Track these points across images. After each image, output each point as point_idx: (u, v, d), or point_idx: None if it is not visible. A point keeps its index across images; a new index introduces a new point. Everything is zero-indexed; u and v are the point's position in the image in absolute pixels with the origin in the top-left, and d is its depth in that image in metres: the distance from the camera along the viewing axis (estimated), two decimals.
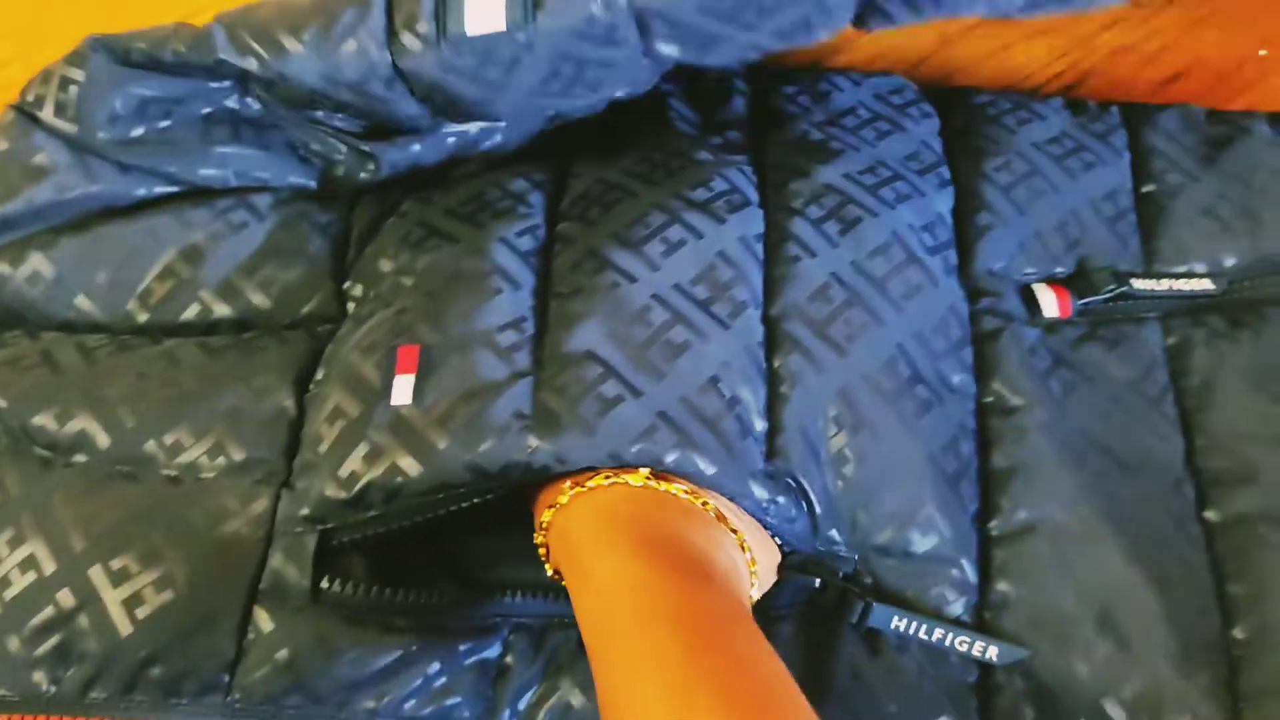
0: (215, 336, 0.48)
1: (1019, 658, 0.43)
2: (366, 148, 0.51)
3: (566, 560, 0.39)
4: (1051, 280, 0.52)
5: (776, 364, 0.45)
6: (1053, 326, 0.50)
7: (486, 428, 0.41)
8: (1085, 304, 0.51)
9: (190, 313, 0.49)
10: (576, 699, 0.43)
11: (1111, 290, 0.51)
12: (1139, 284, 0.51)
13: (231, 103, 0.50)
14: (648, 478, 0.40)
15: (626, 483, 0.40)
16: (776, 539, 0.43)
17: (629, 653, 0.33)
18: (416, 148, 0.50)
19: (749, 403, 0.44)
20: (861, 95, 0.55)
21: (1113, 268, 0.52)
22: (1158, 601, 0.44)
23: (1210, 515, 0.47)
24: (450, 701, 0.42)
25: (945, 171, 0.53)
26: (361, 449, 0.42)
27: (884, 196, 0.50)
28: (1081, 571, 0.45)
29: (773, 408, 0.44)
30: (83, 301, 0.49)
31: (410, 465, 0.41)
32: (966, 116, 0.56)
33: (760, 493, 0.42)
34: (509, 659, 0.44)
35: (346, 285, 0.50)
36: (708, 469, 0.41)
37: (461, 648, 0.43)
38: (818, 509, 0.44)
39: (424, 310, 0.45)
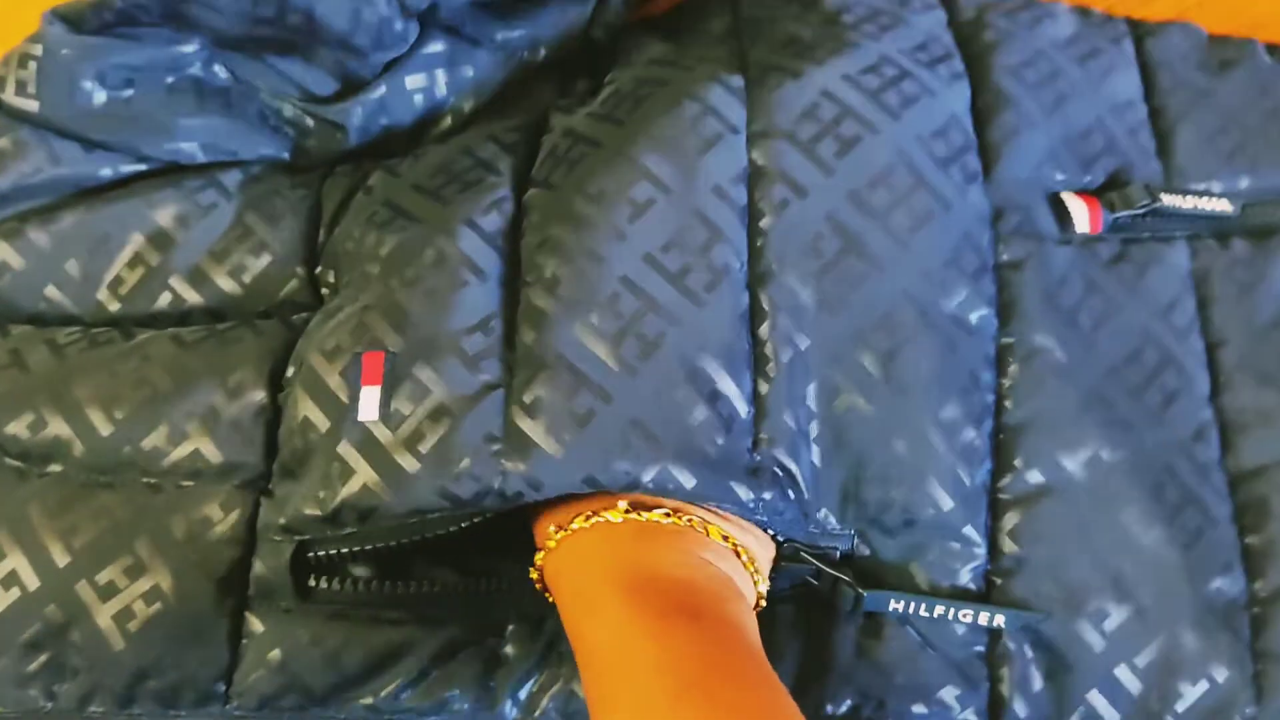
0: (189, 328, 0.47)
1: (1027, 621, 0.42)
2: (333, 115, 0.49)
3: (560, 611, 0.39)
4: (1080, 192, 0.49)
5: (761, 334, 0.43)
6: (1085, 243, 0.47)
7: (456, 451, 0.40)
8: (1117, 219, 0.48)
9: (162, 302, 0.48)
10: (579, 687, 0.43)
11: (1146, 206, 0.48)
12: (1168, 200, 0.48)
13: (196, 71, 0.49)
14: (627, 511, 0.39)
15: (607, 520, 0.39)
16: (769, 531, 0.42)
17: (616, 707, 0.33)
18: (380, 97, 0.49)
19: (731, 394, 0.41)
20: None
21: (1146, 182, 0.49)
22: (1179, 560, 0.43)
23: (1231, 462, 0.46)
24: (449, 693, 0.42)
25: (958, 64, 0.49)
26: (334, 467, 0.41)
27: (887, 103, 0.46)
28: (1098, 534, 0.43)
29: (757, 391, 0.42)
30: (53, 292, 0.48)
31: (381, 489, 0.40)
32: (977, 9, 0.52)
33: (745, 494, 0.40)
34: (508, 649, 0.43)
35: (318, 271, 0.48)
36: (687, 482, 0.40)
37: (458, 638, 0.43)
38: (805, 494, 0.42)
39: (387, 309, 0.43)
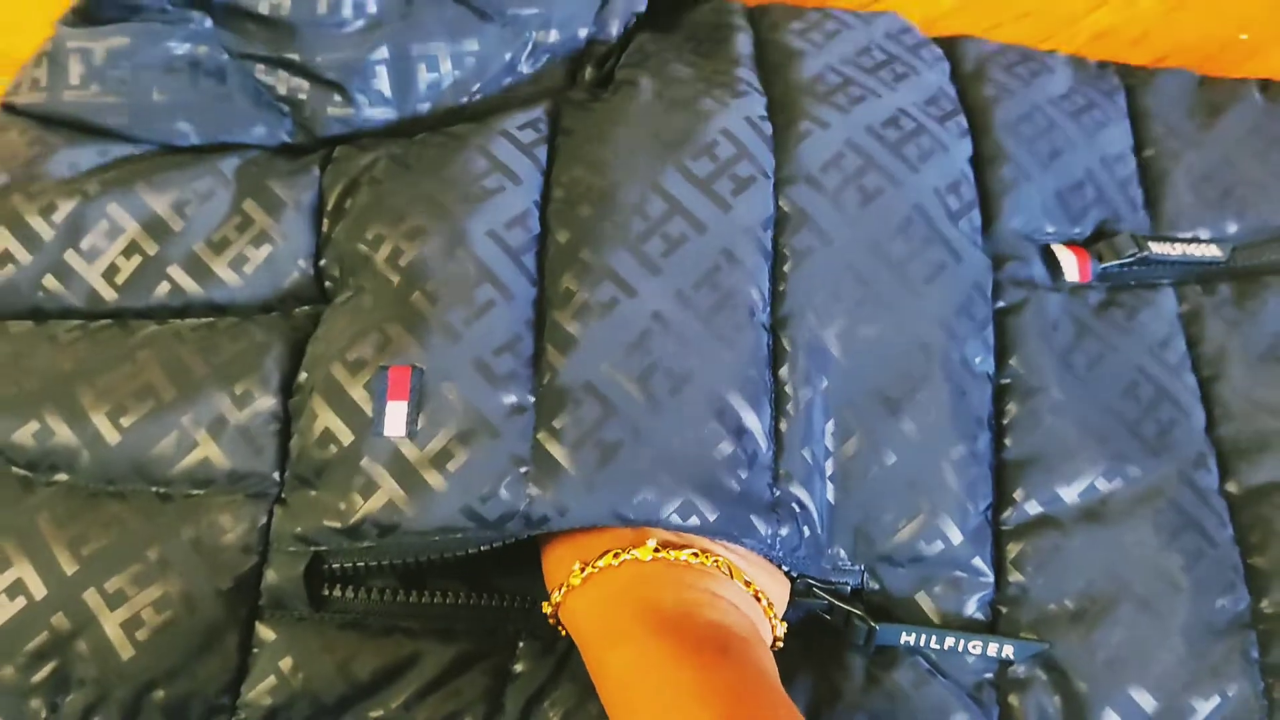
0: (189, 321, 0.46)
1: (1035, 651, 0.43)
2: (331, 75, 0.49)
3: (581, 646, 0.39)
4: (1069, 243, 0.51)
5: (782, 375, 0.44)
6: (1074, 291, 0.49)
7: (484, 473, 0.40)
8: (1105, 268, 0.50)
9: (161, 292, 0.47)
10: (594, 706, 0.42)
11: (1133, 255, 0.50)
12: (1155, 249, 0.50)
13: (189, 52, 0.48)
14: (656, 550, 0.39)
15: (636, 558, 0.39)
16: (783, 567, 0.43)
17: None
18: (382, 60, 0.49)
19: (755, 430, 0.42)
20: (873, 34, 0.53)
21: (1132, 232, 0.51)
22: (1182, 580, 0.44)
23: (1232, 487, 0.47)
24: (459, 707, 0.42)
25: (963, 120, 0.51)
26: (357, 480, 0.41)
27: (907, 155, 0.48)
28: (1100, 558, 0.45)
29: (778, 428, 0.43)
30: (50, 281, 0.47)
31: (407, 505, 0.40)
32: (977, 63, 0.54)
33: (764, 529, 0.41)
34: (519, 665, 0.43)
35: (323, 264, 0.47)
36: (710, 514, 0.40)
37: (470, 651, 0.43)
38: (820, 531, 0.43)
39: (412, 323, 0.43)
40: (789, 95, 0.50)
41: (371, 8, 0.49)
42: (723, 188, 0.46)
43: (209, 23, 0.49)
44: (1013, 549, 0.45)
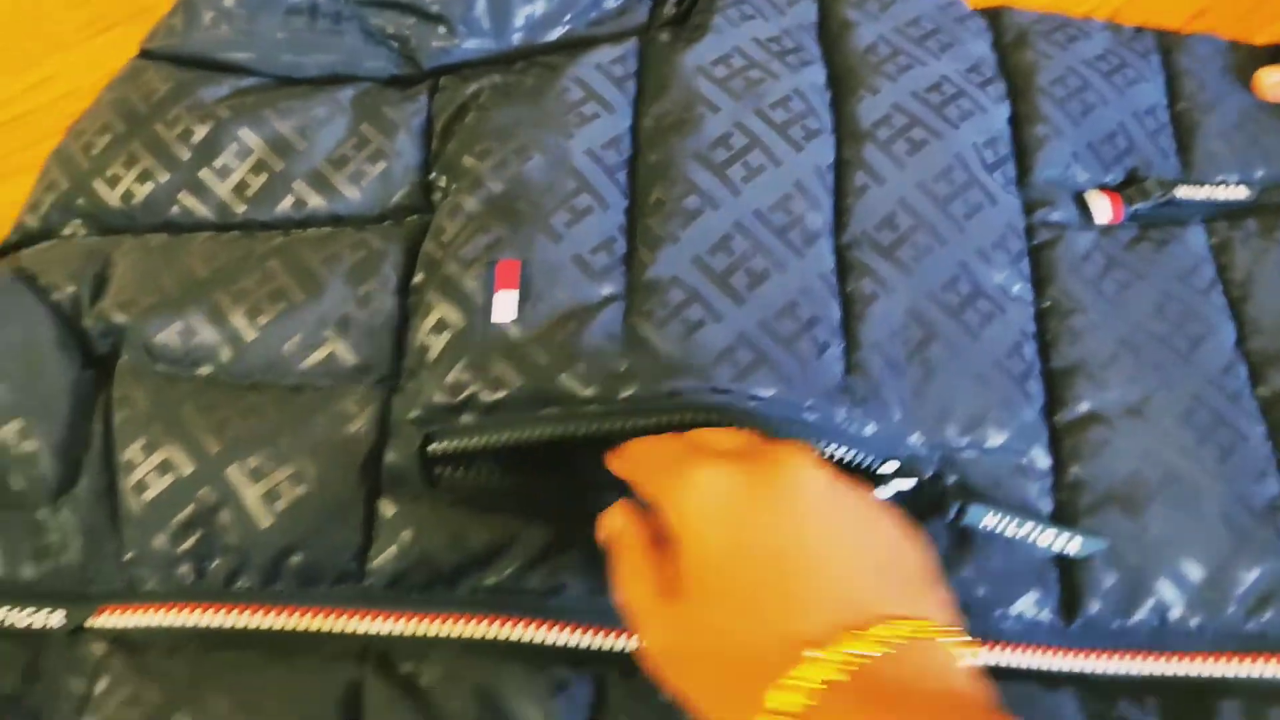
0: (311, 231, 0.51)
1: (1097, 548, 0.46)
2: (436, 8, 0.53)
3: None
4: (1103, 188, 0.55)
5: (849, 288, 0.48)
6: (1105, 230, 0.53)
7: (583, 347, 0.45)
8: (1135, 210, 0.54)
9: (285, 205, 0.52)
10: None
11: (1160, 197, 0.54)
12: (1182, 191, 0.55)
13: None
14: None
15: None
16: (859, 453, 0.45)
17: None
18: (482, 1, 0.54)
19: (826, 322, 0.47)
20: (924, 6, 0.58)
21: (1160, 177, 0.55)
22: (1219, 469, 0.47)
23: (1263, 391, 0.50)
24: (568, 578, 0.46)
25: (1002, 86, 0.56)
26: (465, 359, 0.45)
27: (949, 115, 0.53)
28: (1144, 448, 0.48)
29: (849, 327, 0.47)
30: (186, 197, 0.52)
31: (512, 377, 0.44)
32: (1017, 32, 0.59)
33: (835, 408, 0.45)
34: None
35: (432, 177, 0.52)
36: (781, 386, 0.44)
37: (575, 529, 0.46)
38: (896, 417, 0.46)
39: (518, 224, 0.48)
40: (846, 64, 0.55)
41: None
42: (796, 134, 0.52)
43: None
44: (1068, 443, 0.48)
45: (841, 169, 0.52)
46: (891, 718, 0.32)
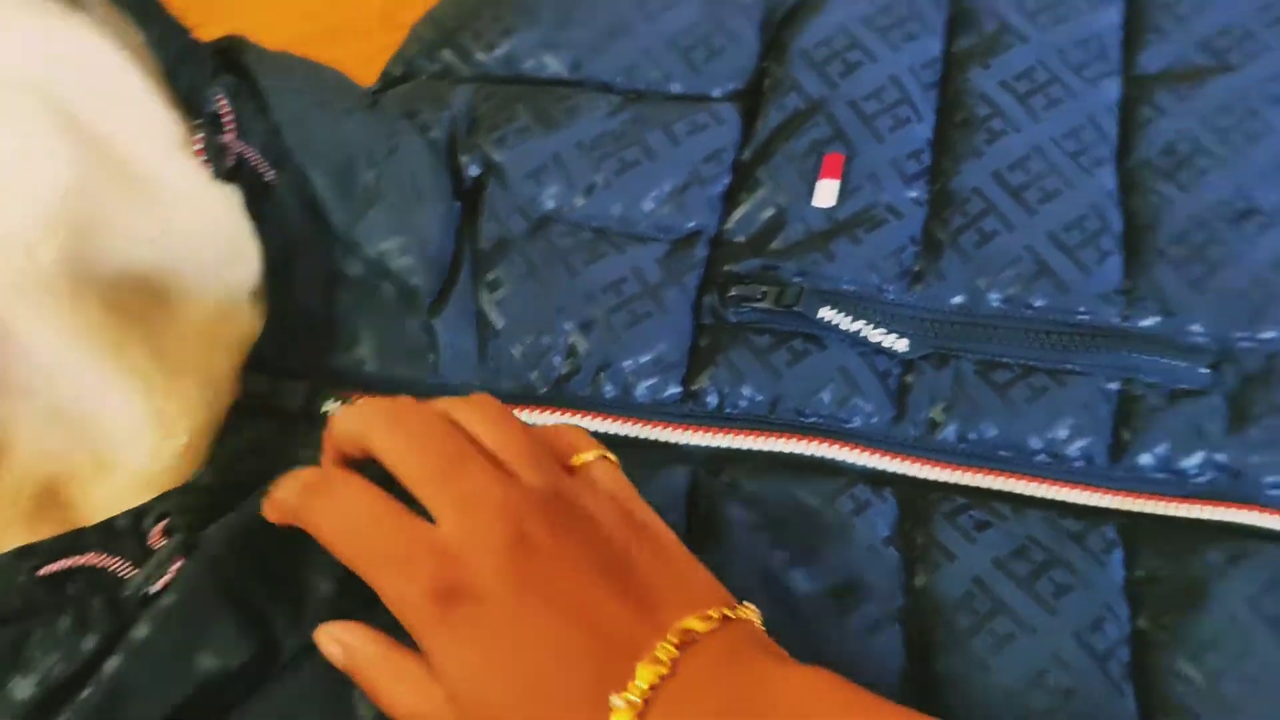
0: (660, 96, 0.59)
1: (925, 351, 0.51)
2: None
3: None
4: None
5: (1132, 204, 0.54)
6: None
7: (888, 244, 0.53)
8: None
9: (641, 77, 0.59)
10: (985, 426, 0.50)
11: None
12: None
13: None
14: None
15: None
16: None
17: None
18: None
19: (1109, 233, 0.53)
20: None
21: None
22: None
23: None
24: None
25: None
26: (789, 232, 0.54)
27: (1231, 60, 0.58)
28: None
29: (1131, 237, 0.53)
30: (543, 54, 0.60)
31: (822, 259, 0.53)
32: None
33: (1109, 308, 0.51)
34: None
35: (766, 64, 0.60)
36: (1056, 294, 0.52)
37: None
38: (1176, 310, 0.51)
39: (846, 127, 0.56)
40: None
41: None
42: (1091, 74, 0.58)
43: None
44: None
45: (1127, 107, 0.57)
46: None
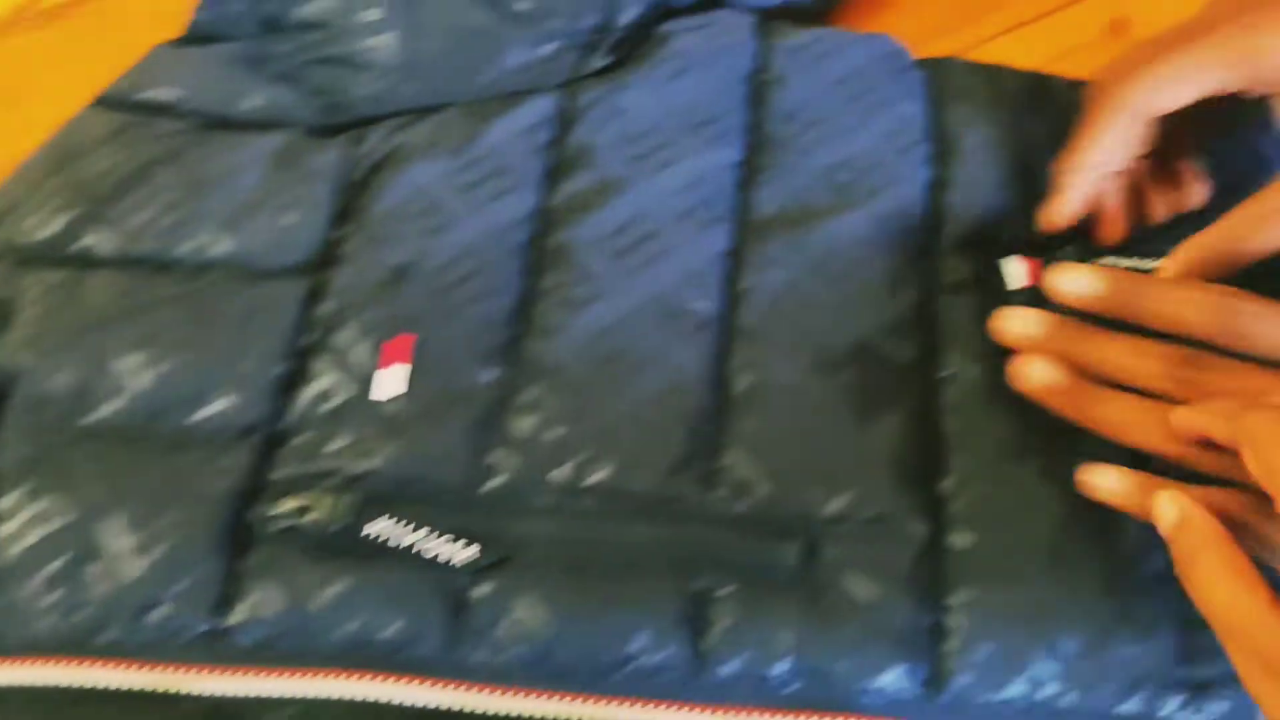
0: (207, 280, 0.51)
1: (491, 560, 0.45)
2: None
3: None
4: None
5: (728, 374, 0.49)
6: None
7: (458, 431, 0.47)
8: None
9: (187, 247, 0.52)
10: None
11: None
12: None
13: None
14: None
15: None
16: None
17: None
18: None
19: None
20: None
21: None
22: None
23: None
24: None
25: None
26: (343, 430, 0.47)
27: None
28: None
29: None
30: (92, 233, 0.52)
31: (384, 452, 0.46)
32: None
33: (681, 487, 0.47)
34: None
35: (336, 234, 0.52)
36: (621, 474, 0.47)
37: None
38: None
39: (417, 306, 0.49)
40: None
41: None
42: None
43: None
44: None
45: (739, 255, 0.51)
46: None
